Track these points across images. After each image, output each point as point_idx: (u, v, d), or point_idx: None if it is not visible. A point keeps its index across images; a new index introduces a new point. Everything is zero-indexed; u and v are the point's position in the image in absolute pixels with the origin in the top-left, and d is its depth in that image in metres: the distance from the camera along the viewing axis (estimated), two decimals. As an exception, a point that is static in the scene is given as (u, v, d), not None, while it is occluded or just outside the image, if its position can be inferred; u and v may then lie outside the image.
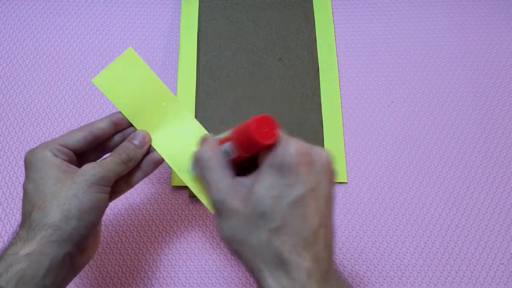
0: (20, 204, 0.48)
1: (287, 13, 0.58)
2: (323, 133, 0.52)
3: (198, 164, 0.32)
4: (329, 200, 0.30)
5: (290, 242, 0.28)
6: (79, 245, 0.32)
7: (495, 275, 0.46)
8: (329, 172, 0.30)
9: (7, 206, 0.49)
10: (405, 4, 0.59)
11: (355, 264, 0.46)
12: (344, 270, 0.46)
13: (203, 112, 0.52)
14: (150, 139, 0.37)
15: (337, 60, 0.56)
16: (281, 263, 0.27)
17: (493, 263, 0.46)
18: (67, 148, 0.34)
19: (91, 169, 0.33)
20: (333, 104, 0.53)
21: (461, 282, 0.46)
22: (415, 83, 0.55)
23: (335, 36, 0.57)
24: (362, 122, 0.53)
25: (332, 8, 0.59)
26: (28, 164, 0.33)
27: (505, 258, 0.46)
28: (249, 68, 0.55)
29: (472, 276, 0.46)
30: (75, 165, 0.35)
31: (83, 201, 0.32)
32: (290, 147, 0.29)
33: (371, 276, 0.46)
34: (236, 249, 0.30)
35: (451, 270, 0.46)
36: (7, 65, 0.55)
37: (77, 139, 0.34)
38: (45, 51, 0.56)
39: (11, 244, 0.31)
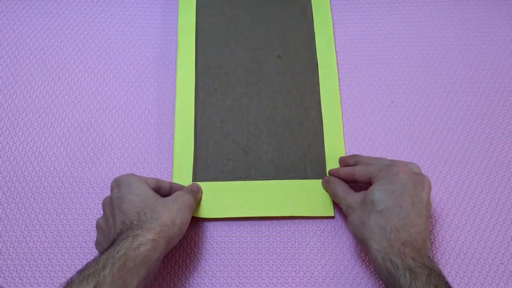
0: (20, 203, 0.49)
1: (285, 10, 0.58)
2: (322, 130, 0.52)
3: (331, 184, 0.47)
4: (423, 202, 0.40)
5: (392, 222, 0.38)
6: (168, 250, 0.40)
7: (495, 275, 0.46)
8: (421, 182, 0.41)
9: (7, 206, 0.49)
10: (405, 3, 0.59)
11: (355, 265, 0.46)
12: (345, 270, 0.46)
13: (203, 111, 0.52)
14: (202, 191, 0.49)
15: (337, 60, 0.56)
16: (383, 233, 0.38)
17: (493, 263, 0.46)
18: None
19: (186, 194, 0.44)
20: (332, 102, 0.53)
21: (461, 282, 0.46)
22: (415, 83, 0.55)
23: (334, 35, 0.57)
24: (362, 121, 0.53)
25: (331, 8, 0.59)
26: (126, 183, 0.42)
27: (505, 258, 0.46)
28: (248, 66, 0.55)
29: (472, 276, 0.46)
30: None
31: (184, 215, 0.41)
32: (394, 163, 0.42)
33: (371, 276, 0.46)
34: (357, 232, 0.41)
35: (451, 270, 0.46)
36: (7, 65, 0.55)
37: (151, 183, 0.44)
38: (45, 51, 0.56)
39: (132, 230, 0.38)
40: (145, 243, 0.37)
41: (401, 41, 0.57)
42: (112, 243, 0.37)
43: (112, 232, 0.39)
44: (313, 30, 0.57)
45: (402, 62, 0.56)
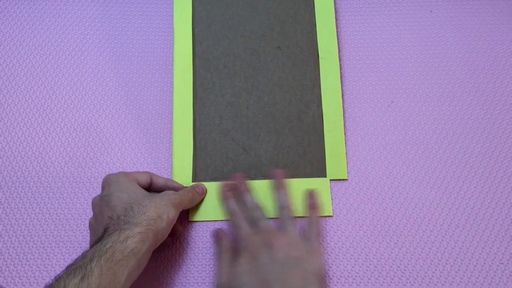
0: (20, 203, 0.49)
1: None
2: (323, 126, 0.51)
3: (218, 248, 0.46)
4: None
5: None
6: (157, 245, 0.40)
7: (495, 275, 0.46)
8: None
9: (8, 206, 0.49)
10: (406, 3, 0.59)
11: (355, 264, 0.46)
12: (344, 269, 0.46)
13: (202, 108, 0.52)
14: (206, 192, 0.49)
15: (338, 58, 0.55)
16: None
17: (493, 263, 0.46)
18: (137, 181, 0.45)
19: (173, 194, 0.44)
20: (333, 96, 0.52)
21: (461, 282, 0.46)
22: (415, 83, 0.55)
23: (336, 33, 0.57)
24: (362, 121, 0.53)
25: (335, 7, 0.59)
26: (115, 181, 0.43)
27: (505, 258, 0.46)
28: (247, 58, 0.53)
29: (472, 276, 0.46)
30: None
31: (170, 212, 0.41)
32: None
33: (371, 276, 0.46)
34: None
35: (451, 269, 0.46)
36: (7, 65, 0.55)
37: (142, 179, 0.45)
38: (45, 51, 0.56)
39: (118, 225, 0.38)
40: (133, 236, 0.37)
41: (401, 41, 0.57)
42: (100, 238, 0.38)
43: (100, 228, 0.40)
44: (314, 17, 0.54)
45: (402, 62, 0.56)
